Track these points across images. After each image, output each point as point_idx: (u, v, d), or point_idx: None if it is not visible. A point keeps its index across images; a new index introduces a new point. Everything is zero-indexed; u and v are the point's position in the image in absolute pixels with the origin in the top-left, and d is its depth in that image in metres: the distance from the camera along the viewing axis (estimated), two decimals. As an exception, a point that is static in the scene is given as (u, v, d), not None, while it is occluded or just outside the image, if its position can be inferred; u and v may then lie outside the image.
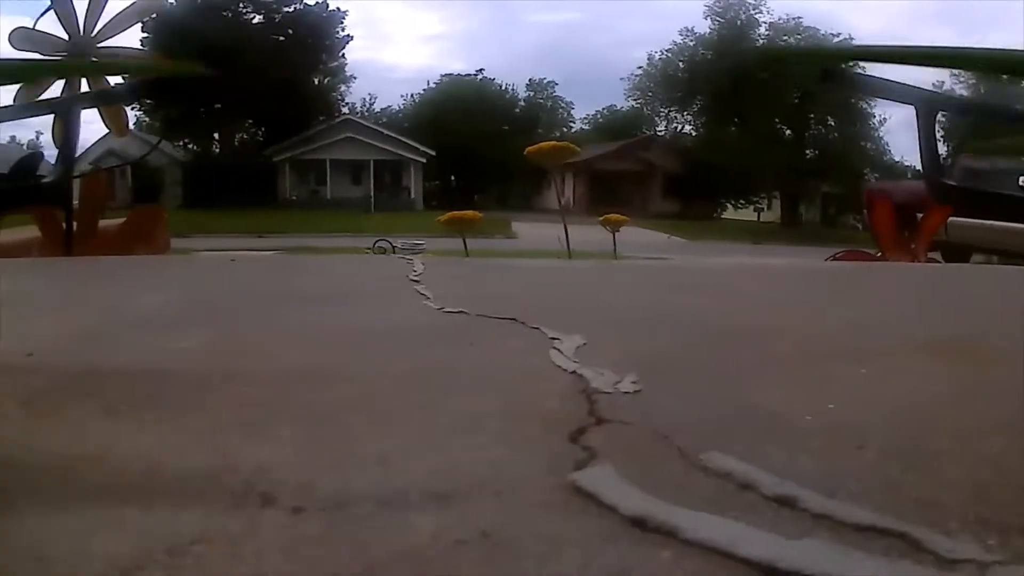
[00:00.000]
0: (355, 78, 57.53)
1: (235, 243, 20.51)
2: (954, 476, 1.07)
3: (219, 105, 48.27)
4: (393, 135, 47.87)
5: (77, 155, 6.18)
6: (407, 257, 4.88)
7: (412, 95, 60.16)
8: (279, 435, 1.33)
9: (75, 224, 5.74)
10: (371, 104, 62.58)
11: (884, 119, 43.23)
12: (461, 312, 2.46)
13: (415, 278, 3.33)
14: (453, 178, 53.20)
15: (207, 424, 1.41)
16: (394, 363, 1.91)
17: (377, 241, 10.79)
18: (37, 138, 65.84)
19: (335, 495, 1.05)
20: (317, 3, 50.99)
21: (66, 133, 5.79)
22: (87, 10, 5.84)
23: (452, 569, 0.85)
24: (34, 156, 6.08)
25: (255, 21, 50.54)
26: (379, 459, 1.19)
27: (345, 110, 54.19)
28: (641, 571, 0.82)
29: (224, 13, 47.91)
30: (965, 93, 35.58)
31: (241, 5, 49.78)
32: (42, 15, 5.85)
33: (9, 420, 1.44)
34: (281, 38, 49.89)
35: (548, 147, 6.71)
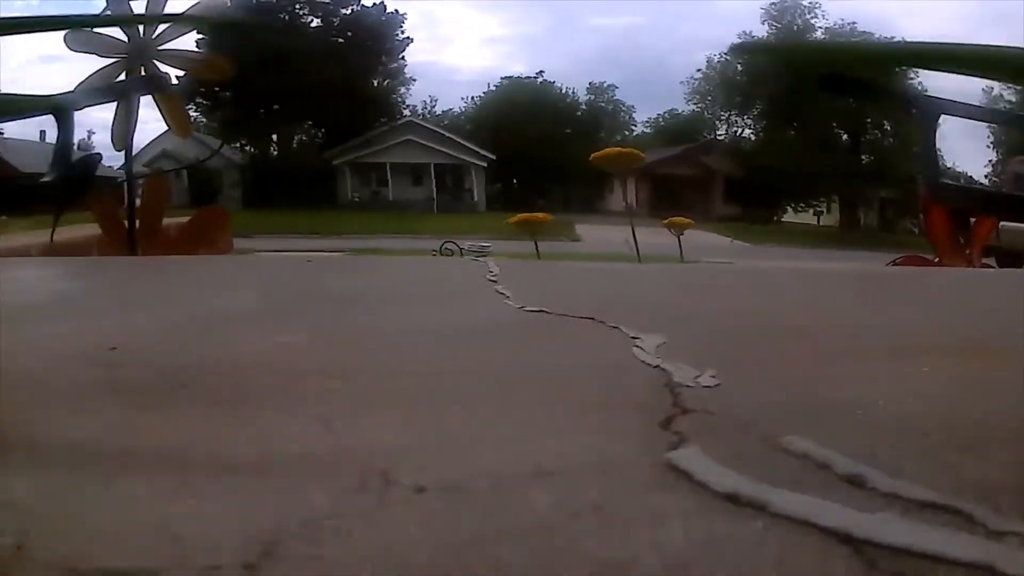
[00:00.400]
0: (415, 80, 56.22)
1: (297, 244, 20.00)
2: (1004, 461, 1.13)
3: (277, 107, 47.17)
4: (454, 138, 46.65)
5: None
6: (480, 258, 4.88)
7: (473, 98, 58.81)
8: (387, 423, 1.37)
9: (138, 223, 5.71)
10: (432, 106, 61.23)
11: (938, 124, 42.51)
12: (542, 311, 2.47)
13: (493, 279, 3.32)
14: (515, 181, 51.95)
15: (312, 414, 1.44)
16: (483, 358, 1.97)
17: (444, 243, 10.81)
18: (88, 137, 65.47)
19: (453, 475, 1.09)
20: (375, 5, 49.76)
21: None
22: (146, 12, 5.79)
23: (571, 538, 0.90)
24: (92, 157, 6.01)
25: (312, 24, 49.30)
26: (488, 444, 1.25)
27: (406, 112, 52.69)
28: (738, 538, 0.89)
29: (281, 15, 46.75)
30: (1013, 99, 34.97)
31: (298, 7, 48.58)
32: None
33: (111, 411, 1.47)
34: (339, 40, 48.69)
35: (614, 153, 6.63)
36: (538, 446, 1.23)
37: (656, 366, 1.67)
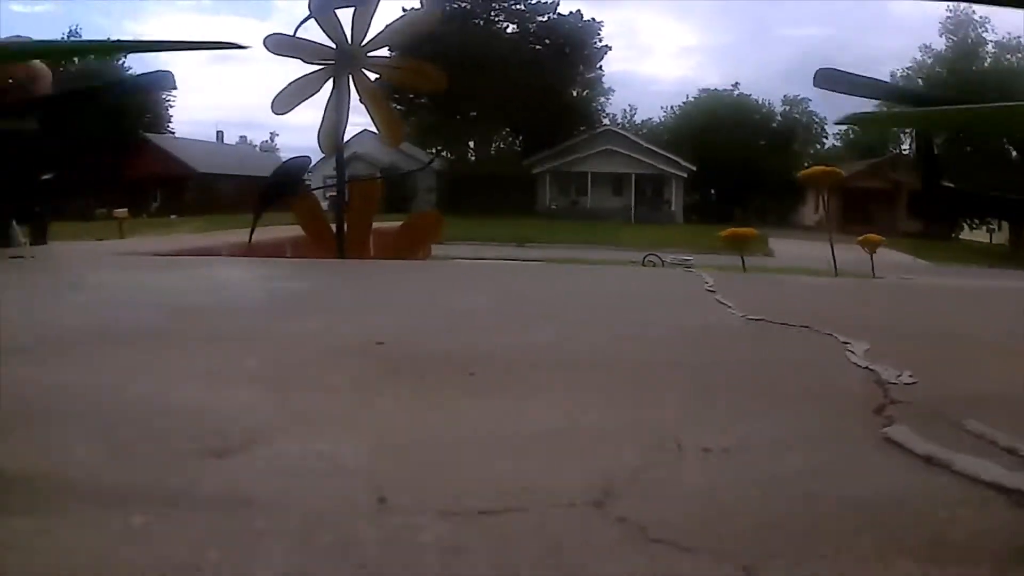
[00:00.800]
0: (613, 90, 53.68)
1: (494, 251, 19.18)
2: None
3: (474, 113, 45.31)
4: (654, 148, 44.23)
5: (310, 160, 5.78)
6: (693, 270, 4.96)
7: (672, 108, 56.05)
8: (666, 403, 1.54)
9: (346, 227, 5.50)
10: (631, 116, 58.85)
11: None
12: (763, 320, 2.60)
13: (710, 288, 3.41)
14: (712, 192, 49.65)
15: (598, 395, 1.58)
16: (725, 354, 2.17)
17: (647, 255, 10.99)
18: (271, 139, 59.44)
19: (728, 442, 1.28)
20: (572, 13, 47.18)
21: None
22: (353, 20, 5.50)
23: (822, 484, 1.11)
24: (300, 161, 5.77)
25: (509, 30, 47.02)
26: (749, 420, 1.45)
27: (605, 121, 50.17)
28: (932, 485, 1.11)
29: (476, 21, 44.82)
30: None
31: (493, 13, 46.32)
32: (302, 23, 5.57)
33: (405, 393, 1.59)
34: (537, 47, 46.32)
35: (819, 172, 6.79)
36: (784, 422, 1.44)
37: (866, 367, 1.85)
